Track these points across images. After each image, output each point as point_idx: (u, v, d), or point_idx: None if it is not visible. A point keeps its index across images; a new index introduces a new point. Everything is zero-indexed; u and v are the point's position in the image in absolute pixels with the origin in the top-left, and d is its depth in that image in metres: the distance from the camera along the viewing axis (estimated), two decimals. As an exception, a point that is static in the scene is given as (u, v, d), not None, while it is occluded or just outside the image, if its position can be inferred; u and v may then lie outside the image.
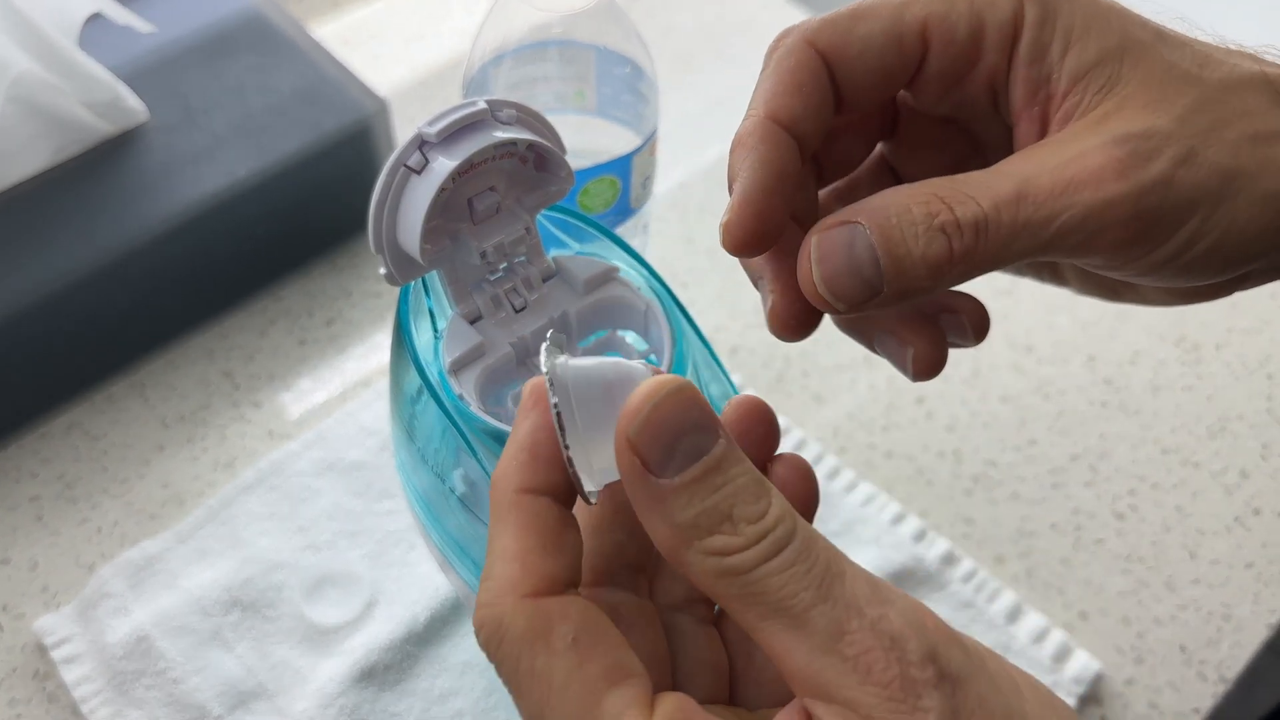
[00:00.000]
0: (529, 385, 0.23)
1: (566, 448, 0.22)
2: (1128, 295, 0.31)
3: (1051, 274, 0.32)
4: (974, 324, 0.29)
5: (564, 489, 0.23)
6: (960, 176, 0.25)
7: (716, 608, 0.26)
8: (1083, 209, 0.24)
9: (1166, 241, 0.25)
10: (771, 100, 0.27)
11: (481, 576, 0.22)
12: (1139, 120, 0.24)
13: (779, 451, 0.25)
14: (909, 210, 0.24)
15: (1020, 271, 0.33)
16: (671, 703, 0.20)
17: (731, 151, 0.27)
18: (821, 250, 0.25)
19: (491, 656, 0.21)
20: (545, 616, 0.21)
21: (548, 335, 0.24)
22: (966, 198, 0.24)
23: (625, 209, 0.45)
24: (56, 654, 0.45)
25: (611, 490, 0.24)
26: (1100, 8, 0.26)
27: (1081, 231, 0.24)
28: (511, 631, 0.21)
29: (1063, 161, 0.24)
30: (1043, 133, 0.26)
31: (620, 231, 0.45)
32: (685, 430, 0.21)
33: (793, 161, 0.27)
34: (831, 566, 0.21)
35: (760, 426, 0.25)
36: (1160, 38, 0.26)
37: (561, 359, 0.23)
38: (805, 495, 0.25)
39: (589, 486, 0.23)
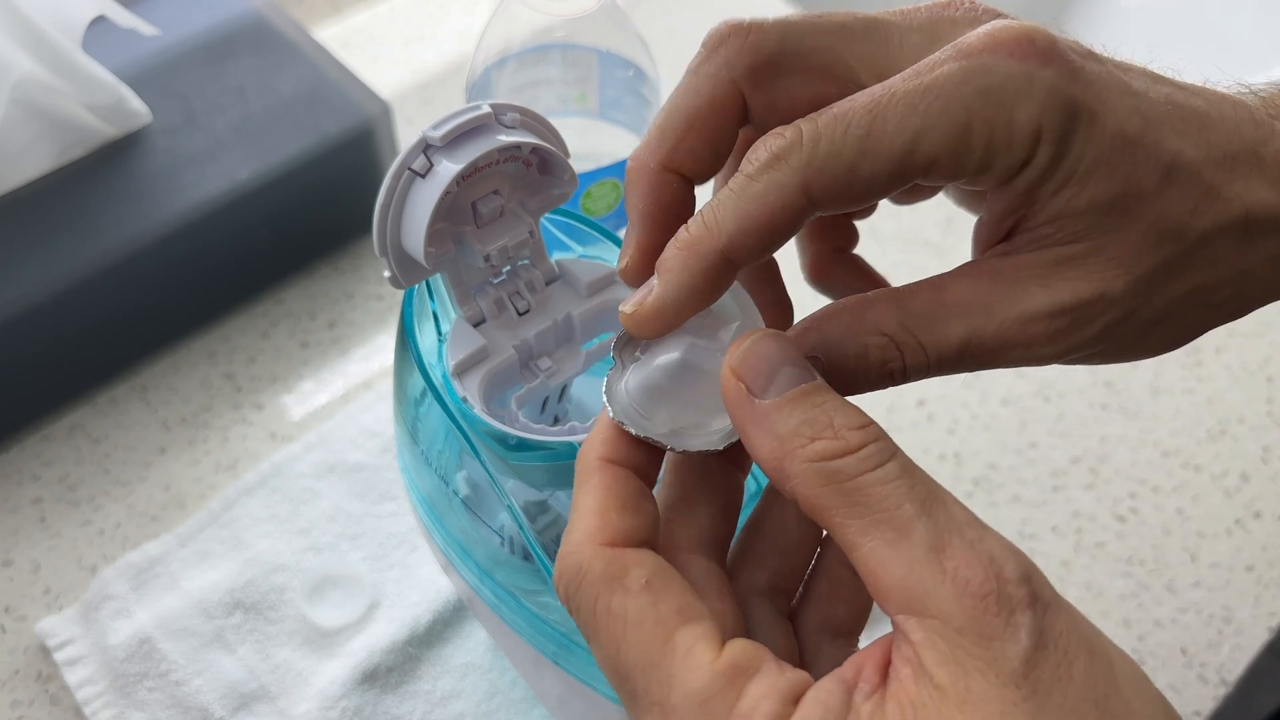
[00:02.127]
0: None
1: (647, 438, 0.25)
2: None
3: None
4: None
5: (643, 465, 0.24)
6: (919, 308, 0.25)
7: (793, 602, 0.26)
8: (1011, 361, 0.26)
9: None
10: (738, 238, 0.24)
11: (564, 534, 0.24)
12: (1094, 282, 0.25)
13: None
14: (866, 355, 0.25)
15: None
16: (742, 645, 0.21)
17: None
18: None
19: (569, 600, 0.23)
20: (621, 561, 0.22)
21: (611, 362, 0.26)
22: (919, 347, 0.25)
23: None
24: (59, 656, 0.45)
25: (694, 466, 0.26)
26: (1116, 145, 0.24)
27: (1004, 366, 0.26)
28: (590, 574, 0.22)
29: (1009, 321, 0.25)
30: (1006, 235, 0.26)
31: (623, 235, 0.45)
32: (783, 363, 0.23)
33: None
34: (933, 490, 0.21)
35: None
36: (1169, 178, 0.25)
37: (618, 385, 0.26)
38: None
39: (679, 448, 0.25)
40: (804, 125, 0.24)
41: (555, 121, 0.32)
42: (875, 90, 0.24)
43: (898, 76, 0.24)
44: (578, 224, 0.37)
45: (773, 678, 0.21)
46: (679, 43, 0.73)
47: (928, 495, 0.21)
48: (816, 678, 0.22)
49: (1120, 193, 0.24)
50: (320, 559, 0.48)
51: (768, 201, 0.24)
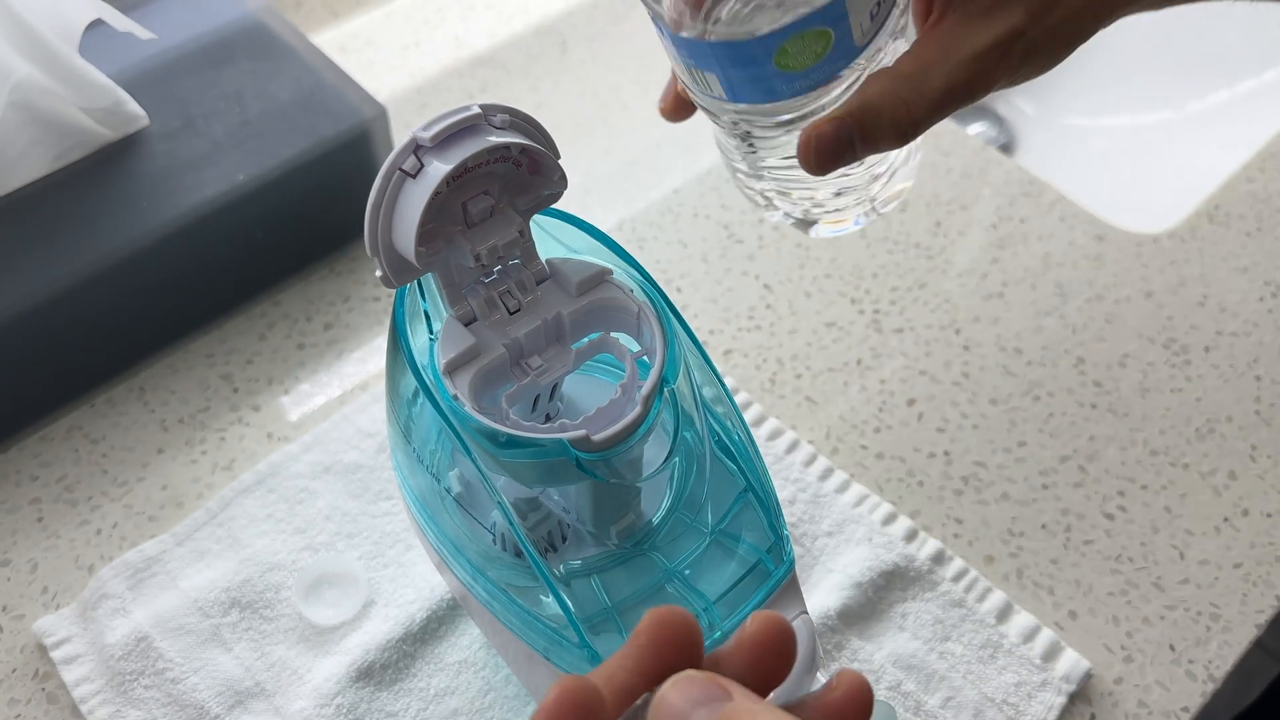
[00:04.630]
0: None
1: None
2: None
3: None
4: None
5: None
6: (916, 77, 0.35)
7: None
8: (978, 87, 0.36)
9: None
10: None
11: None
12: (1006, 22, 0.35)
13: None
14: (880, 115, 0.35)
15: None
16: None
17: None
18: (819, 145, 0.35)
19: None
20: None
21: None
22: (919, 101, 0.35)
23: (849, 51, 0.36)
24: (56, 654, 0.46)
25: None
26: None
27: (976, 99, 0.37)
28: None
29: (966, 61, 0.35)
30: (941, 14, 0.36)
31: (846, 72, 0.37)
32: (691, 708, 0.22)
33: None
34: None
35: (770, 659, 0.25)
36: None
37: None
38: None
39: None
40: None
41: None
42: None
43: None
44: (568, 224, 0.37)
45: None
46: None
47: None
48: None
49: None
50: (316, 558, 0.49)
51: None
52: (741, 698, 0.23)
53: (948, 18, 0.36)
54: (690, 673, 0.23)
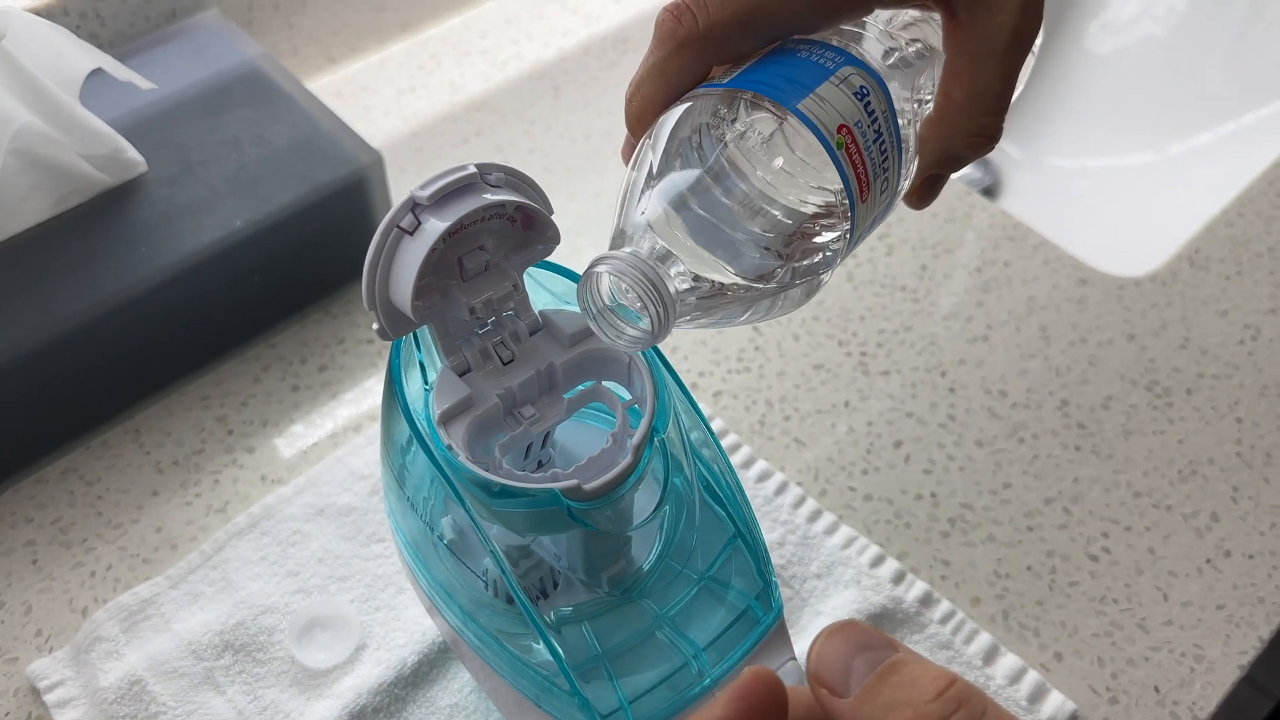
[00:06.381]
0: None
1: None
2: None
3: None
4: None
5: None
6: (972, 101, 0.35)
7: None
8: (1028, 52, 0.36)
9: None
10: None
11: None
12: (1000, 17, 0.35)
13: None
14: (961, 157, 0.36)
15: None
16: None
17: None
18: (919, 197, 0.38)
19: None
20: None
21: None
22: (989, 120, 0.35)
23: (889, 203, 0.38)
24: (49, 698, 0.46)
25: None
26: None
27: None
28: None
29: (1004, 51, 0.35)
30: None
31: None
32: (855, 652, 0.24)
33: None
34: None
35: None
36: None
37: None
38: None
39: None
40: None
41: None
42: None
43: None
44: (559, 275, 0.38)
45: None
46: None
47: None
48: None
49: None
50: (309, 600, 0.49)
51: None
52: (908, 653, 0.24)
53: (960, 21, 0.35)
54: (854, 620, 0.25)
